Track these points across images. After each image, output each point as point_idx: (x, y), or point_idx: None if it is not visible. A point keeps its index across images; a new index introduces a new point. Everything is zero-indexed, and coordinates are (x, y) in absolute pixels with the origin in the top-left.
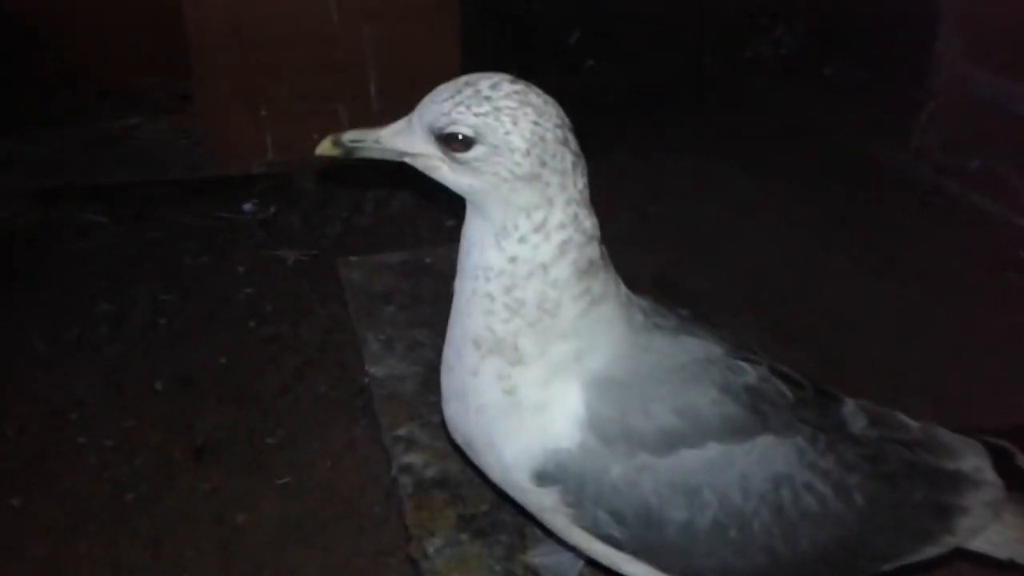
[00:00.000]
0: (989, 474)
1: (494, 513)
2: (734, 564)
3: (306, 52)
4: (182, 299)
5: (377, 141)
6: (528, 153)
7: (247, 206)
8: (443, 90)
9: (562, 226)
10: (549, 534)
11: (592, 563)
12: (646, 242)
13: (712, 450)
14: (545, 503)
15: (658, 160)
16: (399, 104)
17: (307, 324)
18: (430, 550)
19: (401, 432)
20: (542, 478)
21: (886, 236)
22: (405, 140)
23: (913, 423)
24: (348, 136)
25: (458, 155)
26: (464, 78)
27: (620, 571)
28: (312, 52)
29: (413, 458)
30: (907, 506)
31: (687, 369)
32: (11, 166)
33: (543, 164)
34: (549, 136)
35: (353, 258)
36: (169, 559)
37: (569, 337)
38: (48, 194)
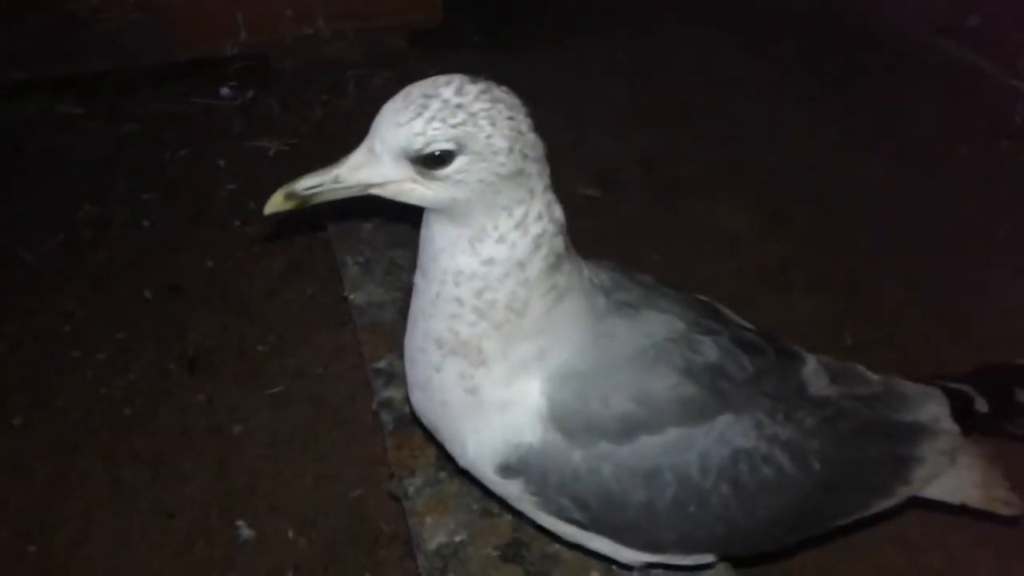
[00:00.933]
0: (946, 422)
1: None
2: (693, 534)
3: None
4: (165, 198)
5: (336, 180)
6: (511, 151)
7: (224, 90)
8: (403, 109)
9: (539, 217)
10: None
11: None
12: (635, 122)
13: (671, 434)
14: (510, 492)
15: (652, 32)
16: None
17: (291, 222)
18: (410, 490)
19: (382, 364)
20: (506, 471)
21: (878, 107)
22: (370, 171)
23: (873, 376)
24: (302, 184)
25: (437, 172)
26: (418, 89)
27: (586, 546)
28: None
29: (393, 392)
30: (864, 463)
31: (647, 354)
32: None
33: (525, 157)
34: (523, 127)
35: None
36: (168, 474)
37: (532, 336)
38: (19, 86)
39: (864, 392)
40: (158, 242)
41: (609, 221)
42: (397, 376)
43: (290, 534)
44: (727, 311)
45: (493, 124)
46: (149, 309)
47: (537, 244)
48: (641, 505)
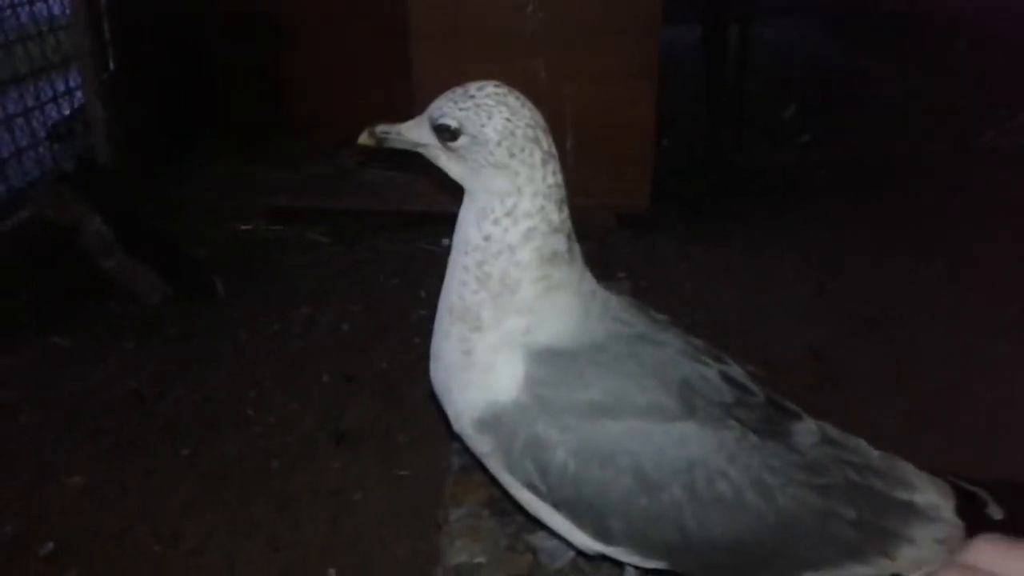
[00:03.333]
0: (947, 512)
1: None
2: (645, 532)
3: None
4: (367, 311)
5: (399, 133)
6: (499, 144)
7: (445, 241)
8: (446, 92)
9: (528, 215)
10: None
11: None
12: (814, 316)
13: (632, 424)
14: (484, 449)
15: (852, 239)
16: (592, 161)
17: None
18: (452, 517)
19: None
20: (482, 426)
21: None
22: (417, 132)
23: (874, 451)
24: (379, 128)
25: (449, 144)
26: (463, 85)
27: (543, 521)
28: None
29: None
30: (839, 520)
31: (626, 358)
32: (259, 190)
33: (512, 155)
34: (519, 132)
35: None
36: (289, 517)
37: (523, 313)
38: (284, 214)
39: (856, 460)
40: (350, 343)
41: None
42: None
43: None
44: (741, 370)
45: (490, 117)
46: (323, 390)
47: (528, 236)
48: (596, 484)
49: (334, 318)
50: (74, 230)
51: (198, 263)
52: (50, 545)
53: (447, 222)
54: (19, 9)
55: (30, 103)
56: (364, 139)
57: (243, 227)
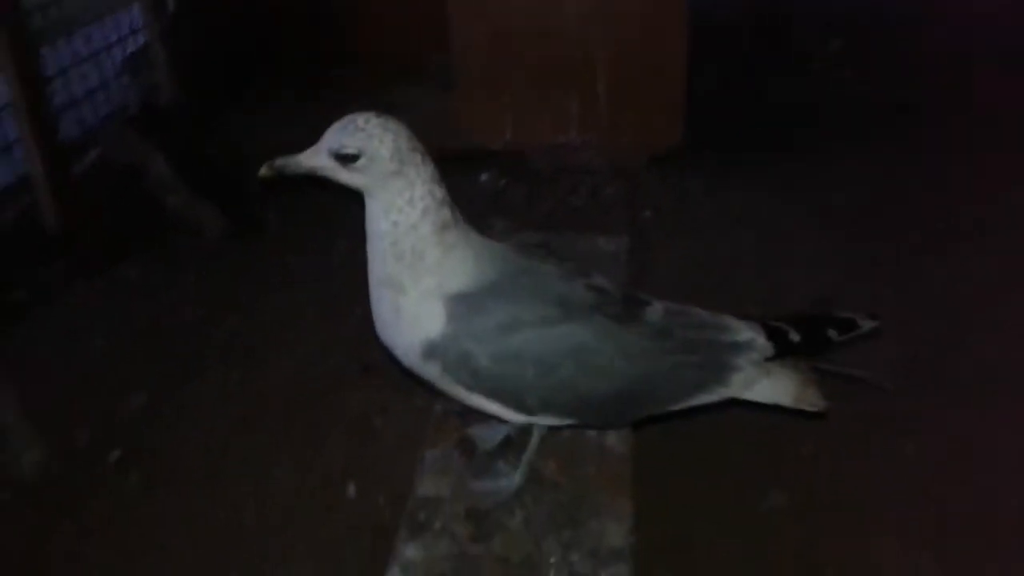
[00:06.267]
0: (760, 341)
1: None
2: (552, 400)
3: (546, 51)
4: None
5: (297, 163)
6: (392, 158)
7: (483, 176)
8: (336, 129)
9: (422, 197)
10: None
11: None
12: (830, 263)
13: (528, 332)
14: (432, 373)
15: (884, 180)
16: (623, 101)
17: None
18: (428, 456)
19: None
20: (425, 356)
21: None
22: (314, 160)
23: (705, 313)
24: (278, 162)
25: (350, 165)
26: (348, 118)
27: (482, 409)
28: (550, 51)
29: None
30: (685, 366)
31: (516, 286)
32: (312, 127)
33: (402, 163)
34: (403, 145)
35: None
36: (318, 439)
37: (433, 273)
38: None
39: (692, 321)
40: None
41: None
42: None
43: (380, 501)
44: (601, 277)
45: (381, 141)
46: (356, 323)
47: (424, 213)
48: (511, 376)
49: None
50: (140, 169)
51: (254, 198)
52: (117, 453)
53: (484, 158)
54: None
55: (97, 46)
56: (264, 172)
57: None
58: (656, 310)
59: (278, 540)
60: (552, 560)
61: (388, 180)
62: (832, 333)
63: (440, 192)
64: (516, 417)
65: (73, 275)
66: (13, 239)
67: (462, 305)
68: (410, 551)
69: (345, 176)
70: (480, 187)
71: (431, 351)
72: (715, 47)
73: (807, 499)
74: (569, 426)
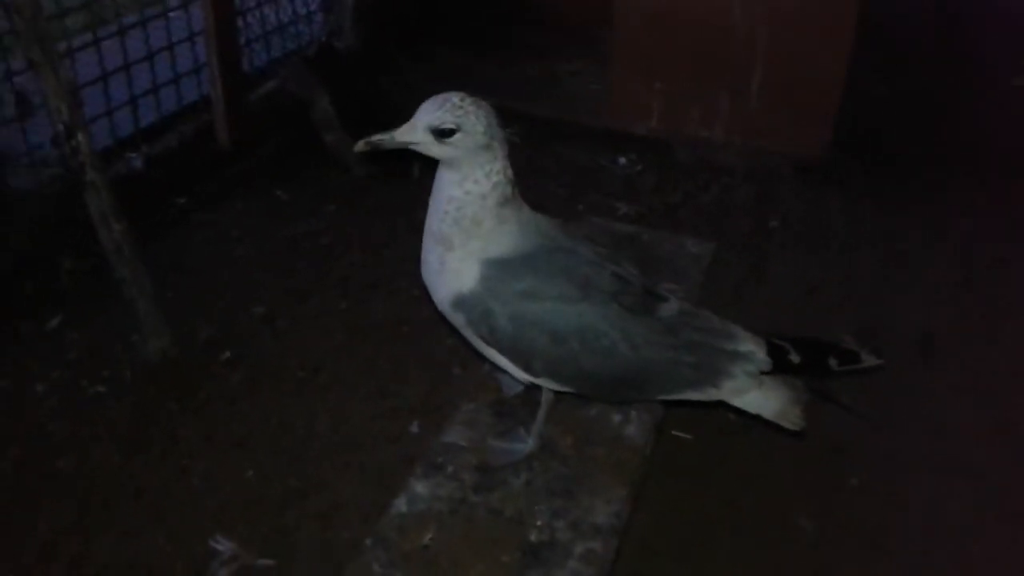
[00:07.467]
0: (760, 355)
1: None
2: (555, 369)
3: (704, 41)
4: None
5: (392, 138)
6: (485, 133)
7: (621, 159)
8: (433, 104)
9: (498, 172)
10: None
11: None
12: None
13: (547, 304)
14: (459, 321)
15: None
16: (775, 105)
17: None
18: (462, 408)
19: None
20: (455, 306)
21: None
22: (410, 135)
23: (716, 319)
24: (375, 138)
25: (446, 139)
26: (442, 96)
27: (496, 362)
28: (709, 42)
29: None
30: (681, 363)
31: (546, 259)
32: (477, 85)
33: (492, 137)
34: (493, 122)
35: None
36: (401, 376)
37: (482, 238)
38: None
39: (701, 325)
40: None
41: None
42: None
43: None
44: (632, 268)
45: (476, 118)
46: None
47: (495, 187)
48: (525, 339)
49: None
50: (308, 104)
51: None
52: (228, 353)
53: (627, 141)
54: None
55: None
56: (360, 147)
57: None
58: (671, 308)
59: (339, 457)
60: (538, 523)
61: (476, 154)
62: (833, 362)
63: (511, 171)
64: (523, 376)
65: (233, 189)
66: (190, 151)
67: (495, 269)
68: (419, 487)
69: (437, 150)
70: (616, 169)
71: (460, 303)
72: (888, 53)
73: (836, 528)
74: (570, 394)
